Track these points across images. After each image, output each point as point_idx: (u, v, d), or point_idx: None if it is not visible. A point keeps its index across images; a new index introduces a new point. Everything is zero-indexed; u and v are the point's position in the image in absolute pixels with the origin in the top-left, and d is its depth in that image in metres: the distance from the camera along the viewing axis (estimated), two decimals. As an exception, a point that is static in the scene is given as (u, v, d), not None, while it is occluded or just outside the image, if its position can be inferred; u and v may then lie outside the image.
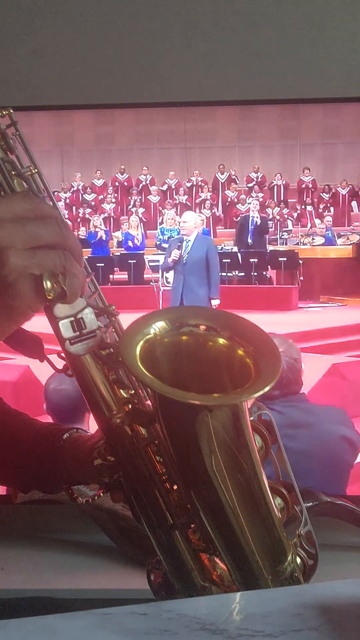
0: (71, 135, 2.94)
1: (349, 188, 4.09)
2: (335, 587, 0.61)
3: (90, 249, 4.91)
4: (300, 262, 4.64)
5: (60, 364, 0.68)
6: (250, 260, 4.58)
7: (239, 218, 4.40)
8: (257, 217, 4.23)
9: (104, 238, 4.67)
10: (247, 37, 2.04)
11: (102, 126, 2.89)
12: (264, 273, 4.69)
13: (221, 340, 0.66)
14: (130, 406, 0.68)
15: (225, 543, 0.70)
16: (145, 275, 4.89)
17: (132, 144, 3.24)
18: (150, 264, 4.93)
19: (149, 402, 0.69)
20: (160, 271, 4.81)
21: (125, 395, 0.68)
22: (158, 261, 4.76)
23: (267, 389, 0.60)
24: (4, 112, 0.65)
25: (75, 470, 0.83)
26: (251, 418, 0.69)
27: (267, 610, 0.56)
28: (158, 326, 0.65)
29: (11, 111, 0.66)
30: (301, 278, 4.61)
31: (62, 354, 0.65)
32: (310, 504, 1.58)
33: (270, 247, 4.76)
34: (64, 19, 2.05)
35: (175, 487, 0.70)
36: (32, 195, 0.61)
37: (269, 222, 4.34)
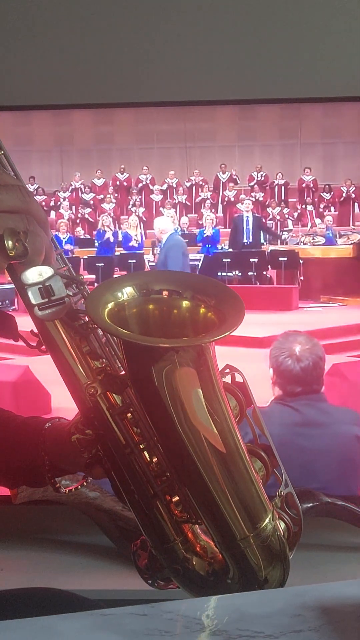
0: (71, 135, 2.94)
1: (353, 187, 4.09)
2: (335, 587, 0.61)
3: (95, 249, 4.91)
4: (301, 261, 4.65)
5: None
6: (250, 260, 4.59)
7: (233, 219, 4.41)
8: (250, 216, 4.23)
9: (111, 240, 4.66)
10: (247, 37, 2.04)
11: (102, 126, 2.89)
12: (264, 273, 4.69)
13: (184, 303, 0.68)
14: (103, 375, 0.69)
15: (203, 501, 0.70)
16: (145, 275, 4.91)
17: (132, 143, 3.24)
18: (150, 263, 4.93)
19: (122, 373, 0.70)
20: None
21: (98, 365, 0.69)
22: (158, 261, 4.77)
23: (230, 331, 0.62)
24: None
25: (57, 458, 0.84)
26: (224, 379, 0.71)
27: (267, 611, 0.56)
28: (125, 291, 0.67)
29: None
30: (301, 278, 4.62)
31: (36, 332, 0.67)
32: (310, 504, 1.58)
33: (270, 247, 4.76)
34: (64, 18, 2.05)
35: (155, 459, 0.71)
36: None
37: (264, 219, 4.33)
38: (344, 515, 1.69)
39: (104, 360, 0.70)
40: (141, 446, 0.71)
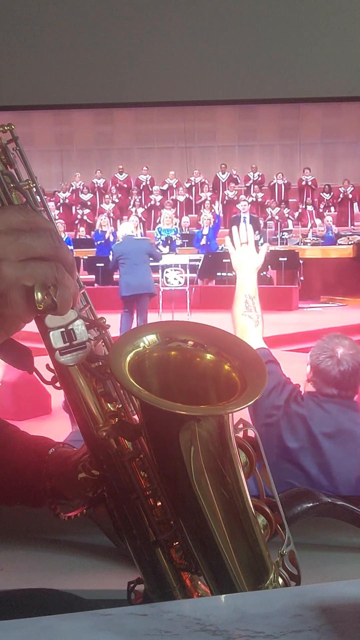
0: (71, 134, 2.94)
1: (351, 188, 4.09)
2: (335, 587, 0.61)
3: (95, 249, 4.92)
4: (301, 262, 4.64)
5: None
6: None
7: (230, 220, 4.41)
8: (247, 217, 4.23)
9: (111, 240, 4.67)
10: (247, 37, 2.04)
11: (102, 126, 2.89)
12: (263, 273, 4.68)
13: (208, 356, 0.67)
14: (116, 419, 0.68)
15: (207, 559, 0.70)
16: (145, 276, 4.90)
17: (131, 143, 3.24)
18: (150, 264, 4.94)
19: (135, 417, 0.69)
20: (160, 271, 4.82)
21: (112, 408, 0.68)
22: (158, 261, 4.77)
23: (252, 402, 0.61)
24: (5, 128, 0.65)
25: (59, 484, 0.83)
26: (236, 434, 0.69)
27: (267, 611, 0.56)
28: (148, 339, 0.67)
29: (13, 127, 0.66)
30: (301, 278, 4.61)
31: (51, 366, 0.66)
32: (310, 504, 1.58)
33: (270, 247, 4.77)
34: (64, 18, 2.05)
35: (159, 503, 0.70)
36: (28, 208, 0.61)
37: (260, 220, 4.33)
38: (344, 515, 1.69)
39: (119, 405, 0.69)
40: (147, 492, 0.69)
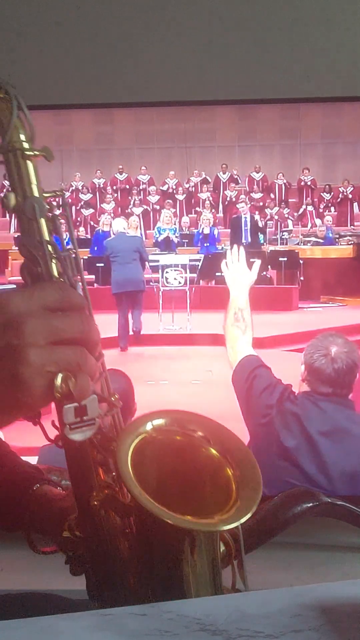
0: (71, 134, 2.94)
1: (351, 188, 4.09)
2: (335, 587, 0.61)
3: (88, 249, 4.91)
4: (301, 262, 4.63)
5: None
6: (251, 260, 4.57)
7: (231, 220, 4.40)
8: (248, 218, 4.23)
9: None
10: (247, 37, 2.04)
11: (102, 126, 2.89)
12: (264, 273, 4.68)
13: (212, 451, 0.68)
14: (109, 492, 0.68)
15: None
16: (145, 275, 4.90)
17: (131, 143, 3.24)
18: (150, 264, 4.94)
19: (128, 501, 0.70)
20: (160, 271, 4.82)
21: (107, 480, 0.69)
22: (158, 261, 4.77)
23: (242, 521, 0.63)
24: (57, 193, 0.65)
25: (38, 523, 0.85)
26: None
27: (267, 611, 0.56)
28: (157, 424, 0.68)
29: (65, 193, 0.66)
30: (301, 278, 4.60)
31: (57, 425, 0.66)
32: (310, 504, 1.58)
33: (270, 247, 4.77)
34: (64, 18, 2.05)
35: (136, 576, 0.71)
36: (64, 285, 0.61)
37: (261, 221, 4.33)
38: (343, 515, 1.69)
39: (114, 474, 0.69)
40: (128, 563, 0.70)
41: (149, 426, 0.68)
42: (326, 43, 2.03)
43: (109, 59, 2.05)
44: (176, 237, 5.20)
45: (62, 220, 0.64)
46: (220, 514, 0.64)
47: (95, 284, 4.94)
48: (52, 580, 1.74)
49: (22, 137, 0.62)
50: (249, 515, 0.63)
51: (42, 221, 0.61)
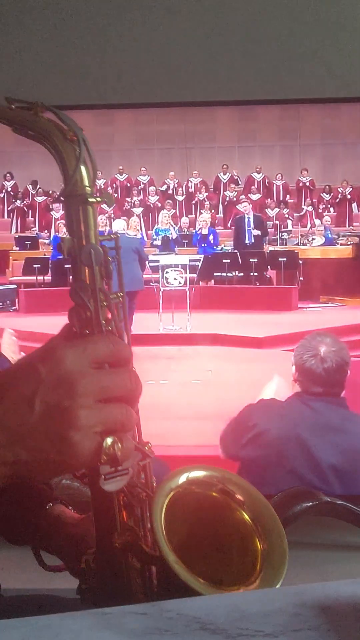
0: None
1: (349, 188, 4.09)
2: (334, 586, 0.61)
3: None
4: (300, 262, 4.63)
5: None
6: (250, 260, 4.57)
7: (235, 220, 4.40)
8: (252, 219, 4.23)
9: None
10: (247, 38, 2.04)
11: (102, 127, 2.89)
12: (264, 273, 4.67)
13: (245, 517, 0.68)
14: (132, 537, 0.68)
15: None
16: (145, 276, 4.90)
17: (132, 144, 3.24)
18: (150, 264, 4.94)
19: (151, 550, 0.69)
20: (160, 271, 4.82)
21: (130, 523, 0.68)
22: (158, 261, 4.77)
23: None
24: (112, 236, 0.65)
25: (48, 543, 0.85)
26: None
27: (267, 610, 0.56)
28: (196, 475, 0.69)
29: (118, 236, 0.66)
30: (301, 278, 4.60)
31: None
32: (310, 504, 1.58)
33: (270, 247, 4.77)
34: (64, 19, 2.05)
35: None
36: (114, 338, 0.61)
37: (265, 221, 4.33)
38: (343, 514, 1.69)
39: (139, 525, 0.68)
40: (141, 598, 0.69)
41: (188, 477, 0.68)
42: (326, 44, 2.03)
43: (109, 60, 2.05)
44: (175, 233, 5.22)
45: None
46: (244, 584, 0.65)
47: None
48: (52, 580, 1.74)
49: (86, 182, 0.61)
50: (271, 587, 0.63)
51: (97, 268, 0.61)
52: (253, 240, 4.90)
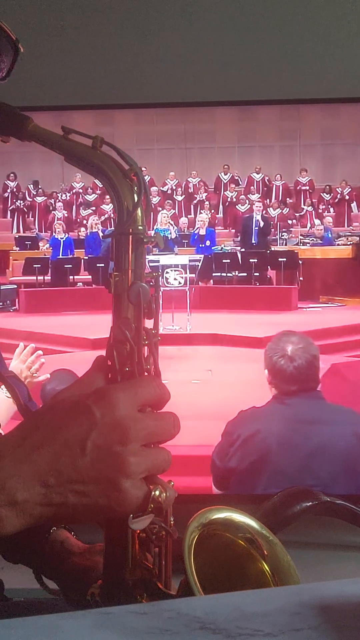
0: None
1: (348, 189, 4.10)
2: (334, 586, 0.61)
3: (84, 250, 4.93)
4: (300, 262, 4.64)
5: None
6: (250, 260, 4.58)
7: (242, 219, 4.40)
8: (260, 219, 4.23)
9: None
10: (247, 38, 2.05)
11: (102, 127, 2.89)
12: (258, 274, 4.66)
13: (266, 568, 0.69)
14: (147, 574, 0.67)
15: None
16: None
17: (132, 144, 3.25)
18: (150, 264, 4.94)
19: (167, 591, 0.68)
20: (160, 271, 4.83)
21: (143, 559, 0.67)
22: (158, 261, 4.77)
23: None
24: (153, 275, 0.66)
25: (49, 568, 0.84)
26: None
27: (266, 610, 0.56)
28: (227, 517, 0.69)
29: (159, 275, 0.67)
30: (301, 278, 4.61)
31: None
32: (310, 503, 1.58)
33: (271, 247, 4.76)
34: (64, 19, 2.05)
35: None
36: (159, 382, 0.63)
37: (271, 222, 4.33)
38: (343, 514, 1.69)
39: (154, 564, 0.67)
40: None
41: (218, 517, 0.68)
42: (326, 45, 2.03)
43: (109, 60, 2.05)
44: (175, 233, 5.23)
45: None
46: None
47: (94, 285, 4.96)
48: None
49: (139, 222, 0.61)
50: None
51: (143, 307, 0.62)
52: (257, 241, 4.91)
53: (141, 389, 0.59)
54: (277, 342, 1.87)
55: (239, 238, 4.65)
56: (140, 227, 0.61)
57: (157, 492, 0.58)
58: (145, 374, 0.64)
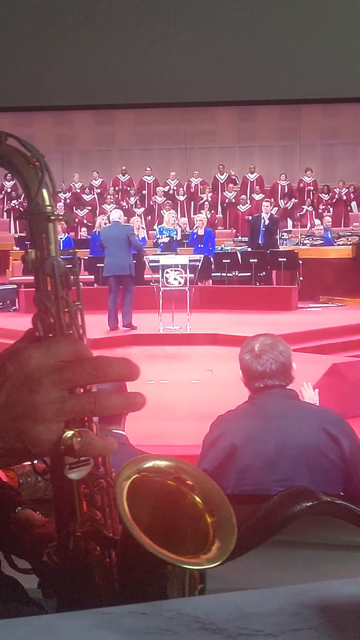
0: (71, 135, 2.94)
1: (345, 190, 4.09)
2: (334, 586, 0.61)
3: (89, 250, 4.94)
4: (300, 262, 4.63)
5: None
6: (250, 260, 4.57)
7: (250, 219, 4.39)
8: (267, 219, 4.22)
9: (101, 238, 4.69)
10: (247, 38, 2.04)
11: (102, 127, 2.89)
12: (264, 273, 4.67)
13: (197, 499, 0.75)
14: (94, 525, 0.73)
15: None
16: (145, 276, 4.91)
17: (132, 144, 3.24)
18: (151, 264, 4.95)
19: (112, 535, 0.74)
20: (160, 271, 4.83)
21: (91, 513, 0.74)
22: (158, 261, 4.78)
23: (215, 564, 0.69)
24: (70, 251, 0.72)
25: (18, 545, 0.89)
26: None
27: (267, 610, 0.56)
28: (156, 465, 0.75)
29: (76, 251, 0.75)
30: (301, 278, 4.60)
31: (47, 461, 0.71)
32: (310, 503, 1.58)
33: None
34: (64, 19, 2.05)
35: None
36: (75, 339, 0.67)
37: (278, 222, 4.32)
38: (343, 514, 1.69)
39: (98, 514, 0.74)
40: (101, 592, 0.74)
41: (147, 465, 0.74)
42: (326, 45, 2.03)
43: (109, 61, 2.05)
44: (177, 234, 5.25)
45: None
46: (201, 553, 0.70)
47: (95, 284, 4.96)
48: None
49: (47, 201, 0.67)
50: (223, 558, 0.70)
51: (59, 279, 0.67)
52: (264, 241, 4.92)
53: (54, 345, 0.64)
54: (249, 342, 1.89)
55: (247, 238, 4.63)
56: (48, 207, 0.67)
57: (68, 435, 0.62)
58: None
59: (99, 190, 4.97)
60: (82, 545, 0.74)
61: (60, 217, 0.68)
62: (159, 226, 5.64)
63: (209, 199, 4.67)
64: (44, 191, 0.67)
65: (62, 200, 3.96)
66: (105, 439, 0.67)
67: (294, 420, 1.82)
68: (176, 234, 5.27)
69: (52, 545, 0.77)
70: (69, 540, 0.74)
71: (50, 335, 0.66)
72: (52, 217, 0.67)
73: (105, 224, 4.77)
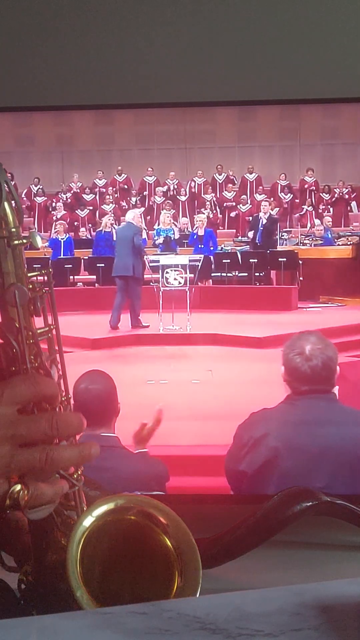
0: (71, 136, 2.94)
1: (345, 189, 4.10)
2: (335, 586, 0.61)
3: (91, 250, 4.94)
4: (300, 262, 4.64)
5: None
6: (250, 260, 4.58)
7: (250, 218, 4.40)
8: (265, 218, 4.23)
9: (114, 238, 4.68)
10: (247, 37, 2.04)
11: (102, 127, 2.89)
12: (263, 273, 4.67)
13: (168, 542, 0.72)
14: (62, 556, 0.71)
15: None
16: (145, 276, 4.90)
17: (132, 144, 3.25)
18: (151, 264, 4.94)
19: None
20: (160, 271, 4.83)
21: (63, 542, 0.72)
22: (158, 261, 4.78)
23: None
24: (43, 272, 0.67)
25: (6, 544, 0.87)
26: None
27: (267, 610, 0.56)
28: (119, 505, 0.73)
29: (50, 271, 0.68)
30: (301, 278, 4.61)
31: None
32: (310, 503, 1.58)
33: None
34: (64, 18, 2.05)
35: None
36: (37, 377, 0.63)
37: (276, 222, 4.33)
38: (343, 514, 1.69)
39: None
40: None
41: (99, 512, 0.72)
42: (326, 44, 2.03)
43: (109, 60, 2.05)
44: (178, 233, 5.25)
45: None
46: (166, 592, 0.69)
47: (96, 284, 4.96)
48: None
49: (10, 223, 0.61)
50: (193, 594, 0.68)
51: (21, 308, 0.63)
52: (261, 241, 4.91)
53: (8, 390, 0.60)
54: (297, 340, 1.86)
55: (249, 238, 4.64)
56: (13, 229, 0.61)
57: (17, 489, 0.61)
58: (40, 371, 0.65)
59: (103, 190, 4.98)
60: (55, 573, 0.72)
61: (25, 241, 0.62)
62: (157, 228, 5.64)
63: (214, 199, 4.68)
64: (8, 211, 0.61)
65: (62, 201, 3.97)
66: (56, 483, 0.65)
67: (336, 425, 1.81)
68: (173, 233, 5.27)
69: (27, 567, 0.77)
70: (44, 567, 0.73)
71: (13, 368, 0.63)
72: (17, 242, 0.61)
73: (111, 223, 4.79)
